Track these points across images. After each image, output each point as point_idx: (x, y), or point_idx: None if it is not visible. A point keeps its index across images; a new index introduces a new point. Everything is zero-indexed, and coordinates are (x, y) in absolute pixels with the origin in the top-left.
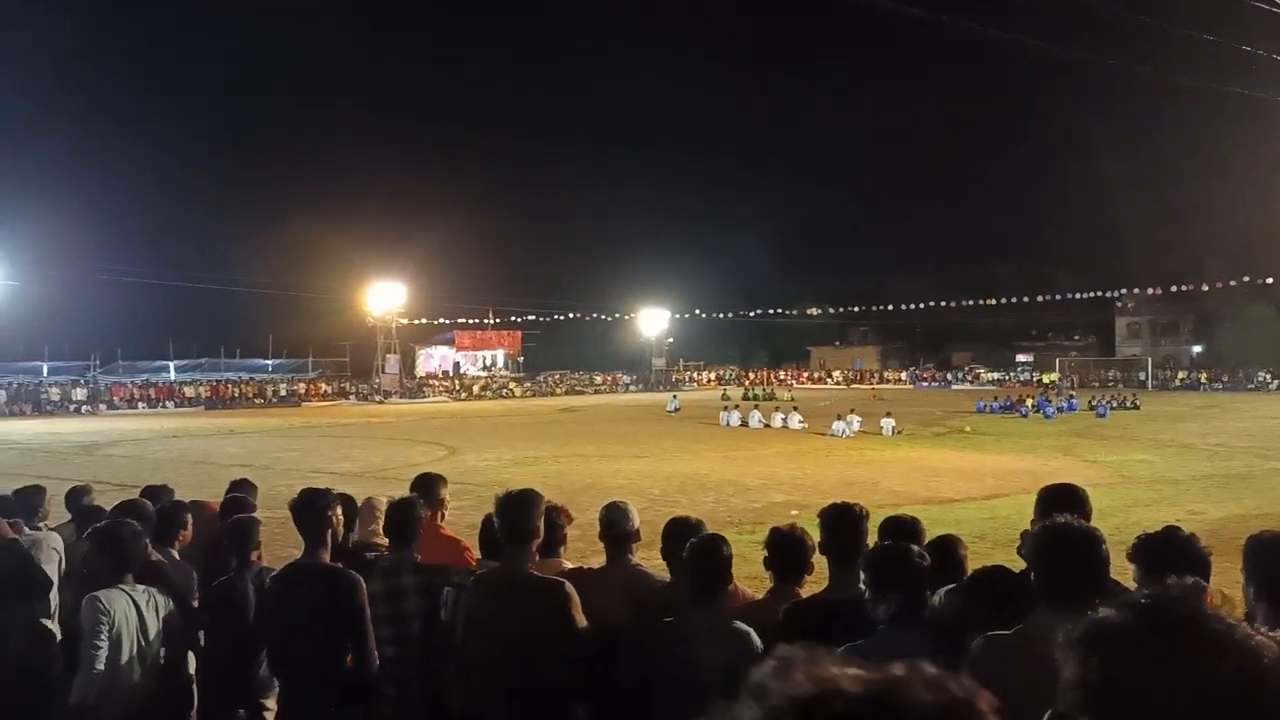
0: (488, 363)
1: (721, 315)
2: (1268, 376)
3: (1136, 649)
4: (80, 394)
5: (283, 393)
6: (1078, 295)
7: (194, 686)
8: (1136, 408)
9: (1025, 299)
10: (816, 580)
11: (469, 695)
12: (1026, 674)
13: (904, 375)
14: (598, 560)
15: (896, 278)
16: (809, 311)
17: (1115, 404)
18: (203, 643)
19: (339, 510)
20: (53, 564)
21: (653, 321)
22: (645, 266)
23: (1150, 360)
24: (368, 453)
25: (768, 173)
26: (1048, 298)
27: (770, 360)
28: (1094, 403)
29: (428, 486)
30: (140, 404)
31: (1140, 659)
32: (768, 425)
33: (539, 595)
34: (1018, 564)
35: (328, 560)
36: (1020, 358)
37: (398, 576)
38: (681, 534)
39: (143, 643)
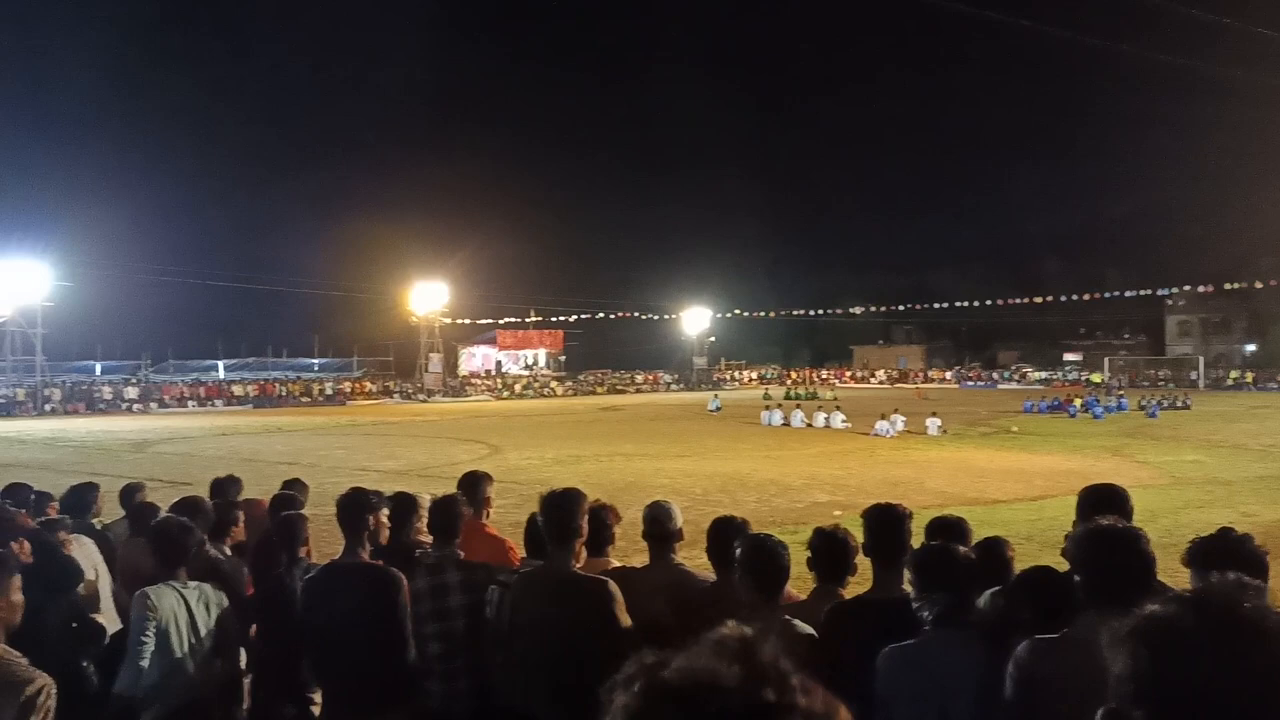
0: (530, 362)
1: (763, 314)
2: None
3: (1185, 641)
4: (132, 392)
5: (328, 391)
6: (1127, 293)
7: (245, 682)
8: (1187, 407)
9: (1074, 297)
10: (860, 581)
11: (514, 692)
12: (1073, 676)
13: (949, 374)
14: (638, 559)
15: (941, 275)
16: (852, 310)
17: (1166, 404)
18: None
19: (385, 510)
20: (88, 560)
21: (694, 320)
22: (687, 266)
23: (1202, 360)
24: (412, 451)
25: (810, 171)
26: (1097, 295)
27: (812, 359)
28: (1144, 403)
29: (473, 485)
30: (190, 402)
31: (1189, 651)
32: (810, 425)
33: (584, 594)
34: (1065, 566)
35: (367, 558)
36: (1068, 357)
37: (442, 573)
38: (727, 534)
39: (193, 639)
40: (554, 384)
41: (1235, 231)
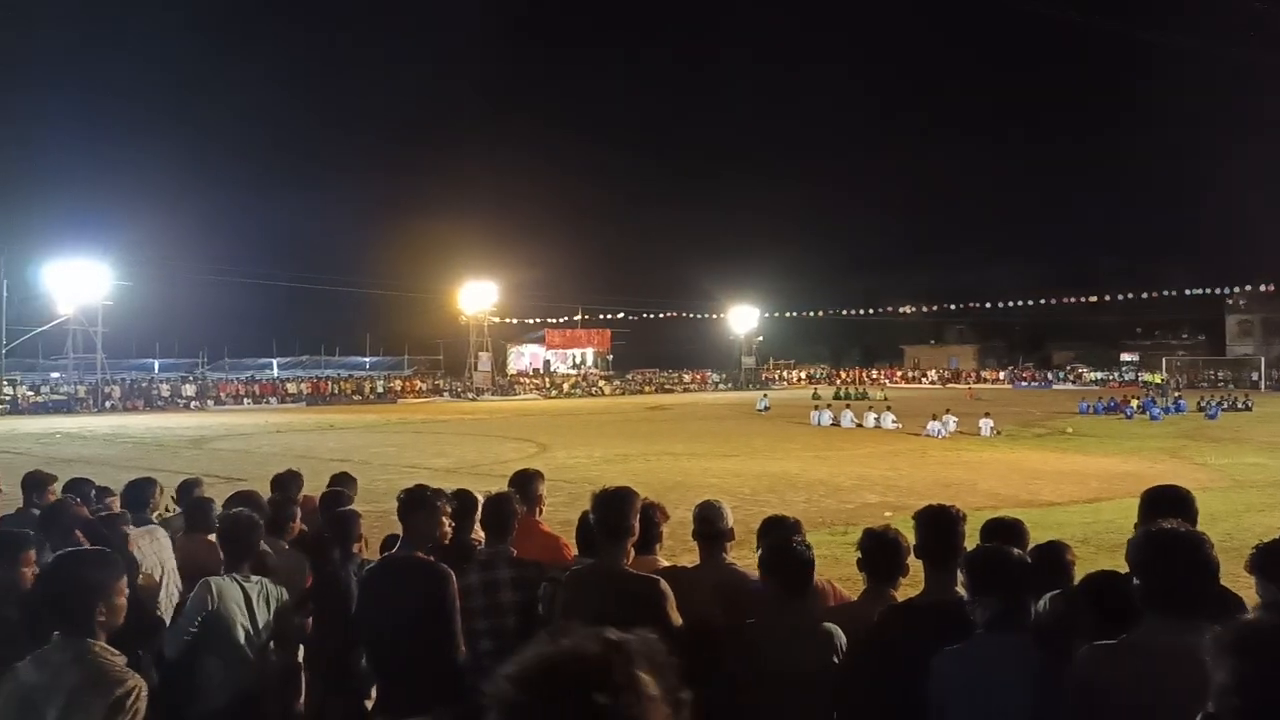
0: (577, 361)
1: (812, 313)
2: None
3: None
4: (189, 390)
5: (380, 389)
6: (1186, 292)
7: (301, 674)
8: (1248, 409)
9: (1130, 296)
10: (912, 583)
11: None
12: (1132, 683)
13: (1002, 375)
14: (686, 558)
15: (994, 273)
16: (902, 309)
17: (1226, 405)
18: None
19: (445, 507)
20: (156, 553)
21: (742, 319)
22: (735, 264)
23: (1263, 360)
24: (461, 449)
25: (860, 168)
26: (1154, 294)
27: (862, 359)
28: (1203, 404)
29: (526, 483)
30: (245, 400)
31: None
32: (860, 425)
33: (635, 592)
34: (1123, 569)
35: (423, 554)
36: (1125, 357)
37: (494, 569)
38: (778, 533)
39: (251, 631)
40: (602, 383)
41: None
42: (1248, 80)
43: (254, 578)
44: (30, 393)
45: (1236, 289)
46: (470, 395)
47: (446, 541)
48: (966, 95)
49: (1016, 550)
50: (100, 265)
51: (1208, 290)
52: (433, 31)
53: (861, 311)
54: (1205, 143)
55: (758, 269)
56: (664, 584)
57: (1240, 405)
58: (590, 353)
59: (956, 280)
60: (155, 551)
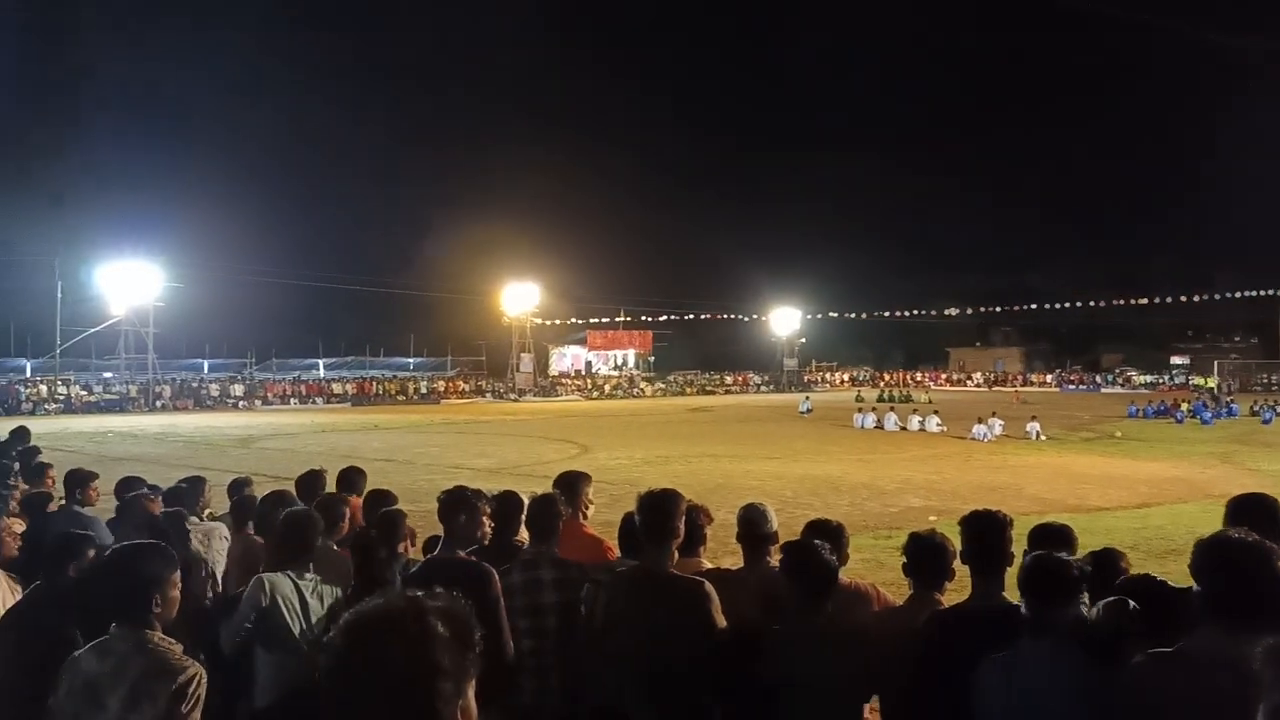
0: (619, 362)
1: (855, 315)
2: None
3: None
4: (237, 390)
5: (423, 390)
6: (1238, 294)
7: None
8: None
9: (1181, 297)
10: (957, 588)
11: (606, 690)
12: (1188, 694)
13: (1049, 378)
14: (728, 561)
15: (1041, 274)
16: (947, 311)
17: None
18: None
19: (484, 507)
20: (215, 550)
21: (785, 321)
22: (778, 266)
23: None
24: (503, 449)
25: (904, 166)
26: (1205, 296)
27: (906, 361)
28: (1256, 408)
29: (571, 484)
30: (292, 400)
31: None
32: (904, 428)
33: (679, 594)
34: (1173, 576)
35: (465, 554)
36: (1175, 360)
37: (536, 570)
38: (823, 537)
39: (305, 627)
40: (643, 384)
41: None
42: None
43: (308, 574)
44: (83, 392)
45: None
46: (512, 396)
47: (486, 542)
48: (1015, 95)
49: (1076, 559)
50: (152, 267)
51: (1260, 292)
52: (477, 33)
53: (906, 313)
54: (1258, 143)
55: (800, 270)
56: (709, 586)
57: None
58: (632, 354)
59: (1003, 281)
60: (217, 549)
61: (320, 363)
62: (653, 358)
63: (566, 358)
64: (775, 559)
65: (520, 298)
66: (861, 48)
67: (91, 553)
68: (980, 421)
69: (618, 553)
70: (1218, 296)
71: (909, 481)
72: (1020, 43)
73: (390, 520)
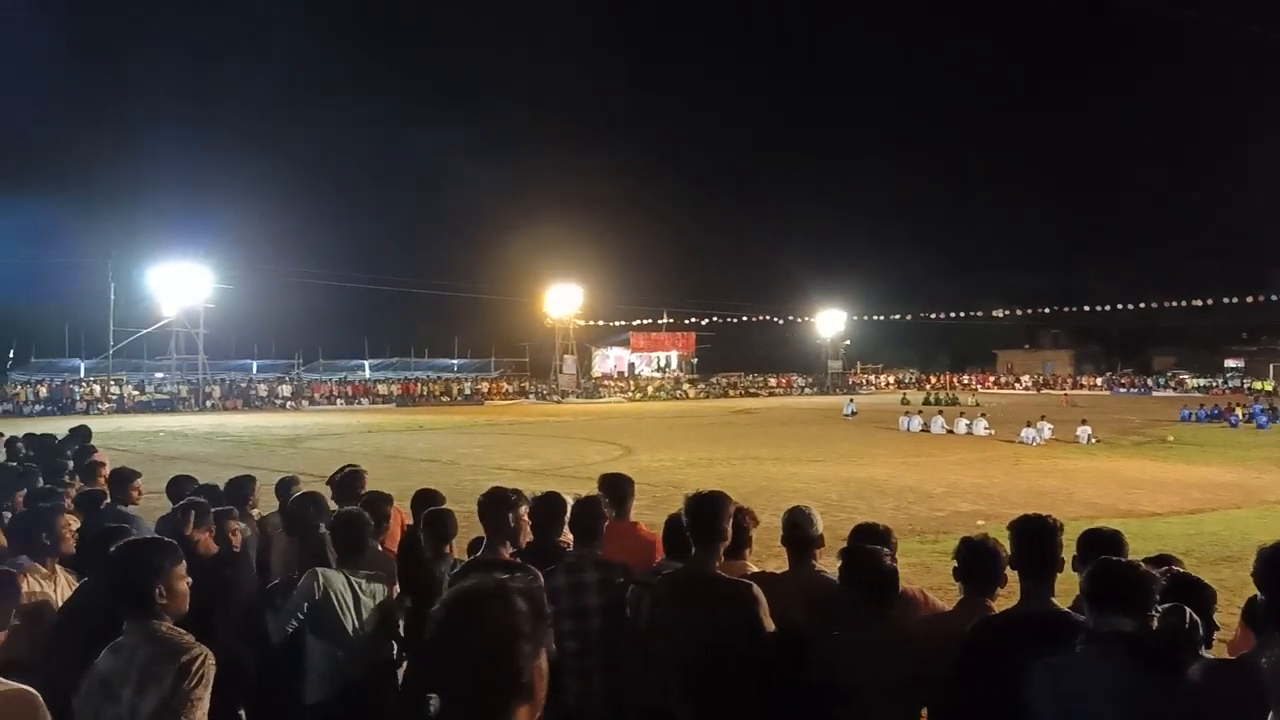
0: (662, 364)
1: (901, 317)
2: None
3: None
4: (285, 390)
5: (467, 391)
6: None
7: (397, 670)
8: None
9: (1235, 298)
10: (1008, 594)
11: (651, 692)
12: (1252, 704)
13: (1099, 380)
14: (771, 564)
15: (1091, 275)
16: (995, 313)
17: None
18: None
19: (525, 509)
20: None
21: (829, 323)
22: (822, 267)
23: None
24: (547, 450)
25: (952, 165)
26: (1261, 297)
27: (953, 364)
28: None
29: (615, 486)
30: (338, 400)
31: None
32: (951, 431)
33: (727, 597)
34: (1227, 583)
35: (508, 555)
36: (1229, 363)
37: (580, 572)
38: (869, 540)
39: (357, 625)
40: (686, 386)
41: None
42: None
43: (362, 572)
44: (136, 392)
45: None
46: (555, 398)
47: (524, 543)
48: (1066, 93)
49: (1144, 564)
50: (202, 269)
51: None
52: (520, 37)
53: (952, 315)
54: None
55: (845, 272)
56: (756, 589)
57: None
58: (675, 356)
59: (1052, 282)
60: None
61: (366, 364)
62: (696, 359)
63: (609, 359)
64: (820, 562)
65: (564, 299)
66: (909, 44)
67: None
68: (1029, 425)
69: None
70: (1274, 297)
71: (956, 485)
72: (1071, 38)
73: (437, 520)
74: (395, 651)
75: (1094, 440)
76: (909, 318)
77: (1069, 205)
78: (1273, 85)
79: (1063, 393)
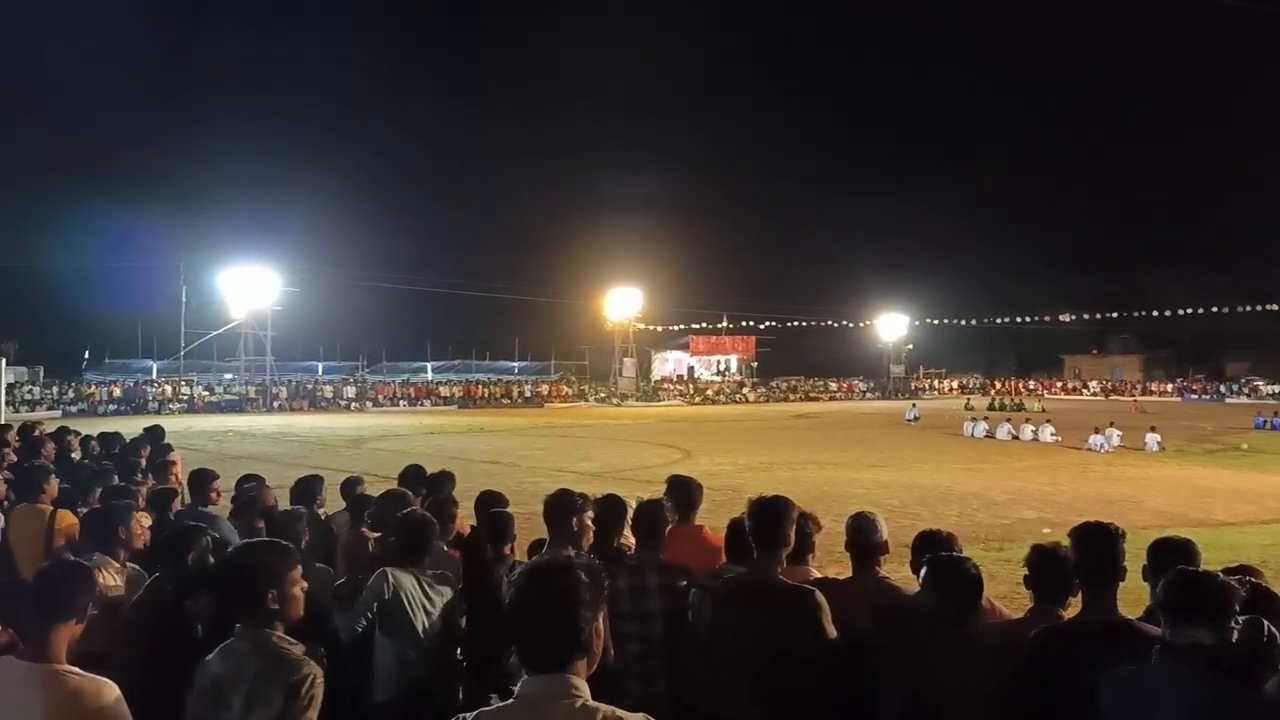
0: (721, 367)
1: (965, 321)
2: None
3: None
4: (350, 391)
5: (527, 393)
6: None
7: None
8: None
9: None
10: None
11: (714, 697)
12: None
13: (1170, 387)
14: (833, 570)
15: (1162, 279)
16: (1062, 317)
17: None
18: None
19: (589, 512)
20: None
21: (891, 327)
22: (885, 270)
23: None
24: (606, 453)
25: (1017, 166)
26: None
27: (1018, 369)
28: None
29: (683, 489)
30: (401, 401)
31: None
32: (1016, 437)
33: (789, 602)
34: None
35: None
36: None
37: (642, 576)
38: (933, 548)
39: (425, 624)
40: (746, 390)
41: None
42: None
43: (429, 572)
44: (205, 392)
45: None
46: (615, 400)
47: (588, 546)
48: (1136, 93)
49: (1222, 575)
50: (270, 272)
51: None
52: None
53: (1018, 319)
54: None
55: (908, 275)
56: (819, 595)
57: None
58: (734, 359)
59: (1121, 286)
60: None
61: (428, 366)
62: (756, 363)
63: (669, 363)
64: (884, 568)
65: (623, 302)
66: (977, 43)
67: (207, 543)
68: (1097, 431)
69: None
70: None
71: (1021, 492)
72: (1138, 38)
73: (498, 522)
74: (458, 651)
75: (1163, 447)
76: (973, 322)
77: (1140, 207)
78: None
79: (1132, 399)
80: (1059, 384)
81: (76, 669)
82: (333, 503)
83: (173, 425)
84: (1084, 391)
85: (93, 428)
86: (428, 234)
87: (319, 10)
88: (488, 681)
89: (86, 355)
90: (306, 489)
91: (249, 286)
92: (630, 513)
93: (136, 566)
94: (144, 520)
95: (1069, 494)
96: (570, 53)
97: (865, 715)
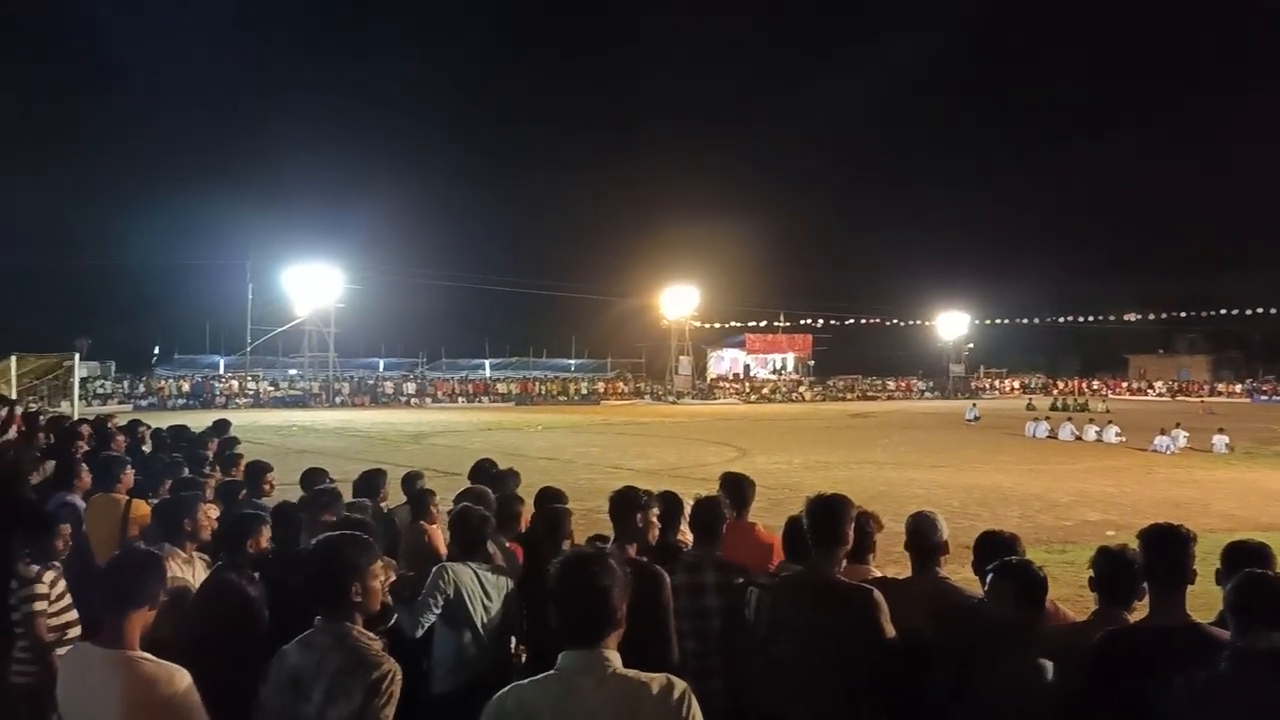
0: (778, 366)
1: (1027, 320)
2: None
3: None
4: (410, 388)
5: (584, 391)
6: None
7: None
8: None
9: None
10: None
11: (769, 695)
12: None
13: (1239, 387)
14: (891, 570)
15: (1231, 277)
16: (1127, 316)
17: None
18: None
19: (655, 508)
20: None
21: (951, 326)
22: (944, 268)
23: None
24: (662, 451)
25: (1081, 162)
26: None
27: (1081, 369)
28: None
29: (737, 486)
30: (460, 398)
31: None
32: (1080, 438)
33: (849, 601)
34: None
35: (634, 554)
36: None
37: (700, 572)
38: (996, 550)
39: (484, 618)
40: (802, 388)
41: None
42: None
43: (486, 565)
44: (270, 388)
45: None
46: (670, 398)
47: (653, 543)
48: (1205, 88)
49: None
50: (333, 270)
51: None
52: (638, 36)
53: (1082, 318)
54: None
55: (968, 273)
56: (878, 594)
57: None
58: (791, 358)
59: (1189, 285)
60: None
61: (486, 363)
62: (812, 361)
63: (725, 361)
64: (944, 569)
65: (679, 301)
66: (1044, 45)
67: (265, 529)
68: (1163, 433)
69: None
70: None
71: (1085, 494)
72: (1209, 31)
73: (554, 517)
74: (514, 645)
75: (1232, 449)
76: (1036, 321)
77: (1207, 204)
78: None
79: (1199, 400)
80: (1124, 384)
81: (150, 655)
82: (395, 497)
83: (238, 419)
84: (1149, 392)
85: (162, 421)
86: (487, 233)
87: (386, 16)
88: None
89: (156, 351)
90: (370, 483)
91: (313, 284)
92: (687, 509)
93: (205, 556)
94: (211, 512)
95: (1134, 496)
96: (631, 54)
97: (922, 717)
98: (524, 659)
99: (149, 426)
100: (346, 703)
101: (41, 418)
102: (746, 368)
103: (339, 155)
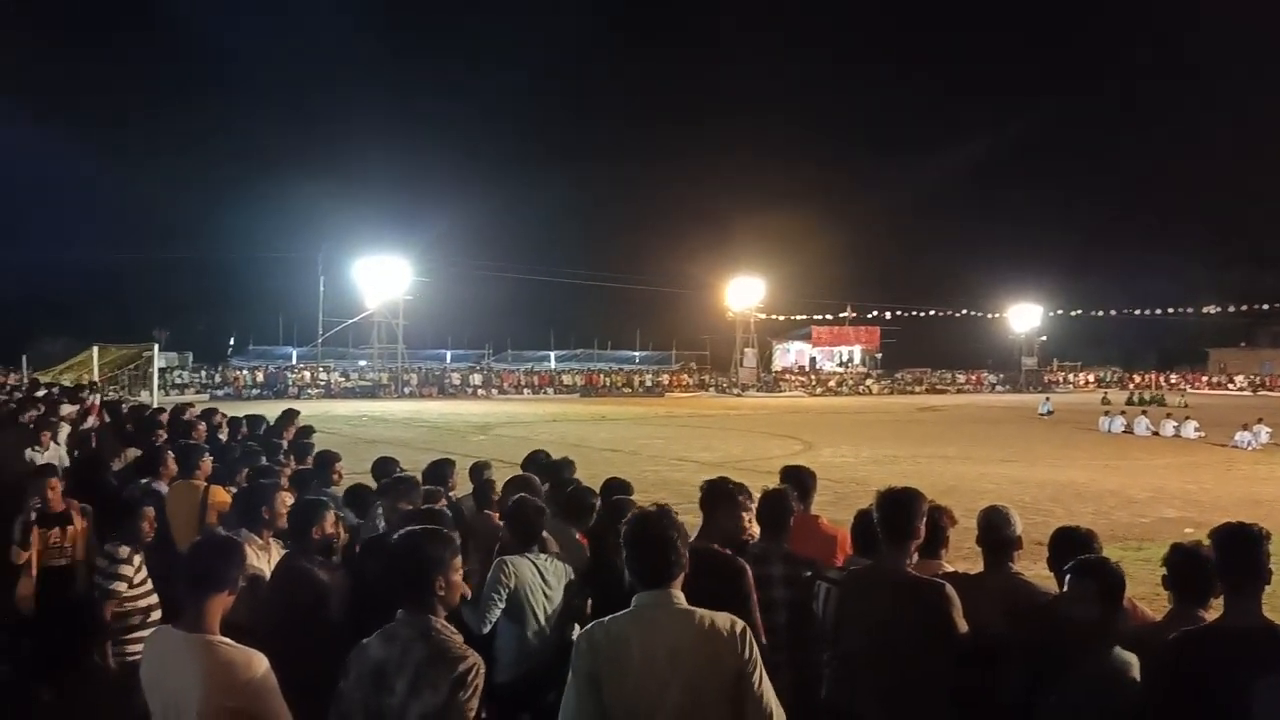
0: (844, 359)
1: (1102, 312)
2: None
3: None
4: (476, 379)
5: (648, 383)
6: None
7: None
8: None
9: None
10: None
11: (839, 690)
12: None
13: None
14: (962, 565)
15: None
16: (1207, 309)
17: None
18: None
19: (746, 503)
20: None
21: (1023, 318)
22: (1016, 259)
23: None
24: (727, 443)
25: (1156, 148)
26: None
27: (1159, 362)
28: None
29: (798, 478)
30: (525, 389)
31: None
32: (1157, 433)
33: (920, 596)
34: None
35: (716, 546)
36: None
37: (767, 564)
38: (1072, 546)
39: (546, 608)
40: (869, 382)
41: None
42: None
43: (544, 555)
44: (341, 379)
45: None
46: (735, 391)
47: (748, 540)
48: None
49: None
50: (402, 263)
51: None
52: (702, 29)
53: (1160, 311)
54: None
55: (1041, 264)
56: (950, 589)
57: None
58: (858, 350)
59: (1271, 276)
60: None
61: (551, 355)
62: (880, 354)
63: (790, 353)
64: (1017, 564)
65: (745, 293)
66: (1122, 35)
67: (329, 515)
68: (1245, 428)
69: (849, 552)
70: None
71: (1162, 490)
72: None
73: (619, 509)
74: (576, 634)
75: None
76: (1111, 313)
77: None
78: None
79: None
80: (1204, 379)
81: (229, 640)
82: (463, 486)
83: (311, 409)
84: (1230, 386)
85: (238, 410)
86: (553, 225)
87: (460, 15)
88: None
89: (232, 342)
90: (438, 472)
91: (382, 277)
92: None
93: (282, 542)
94: (287, 499)
95: (1213, 493)
96: (701, 46)
97: (993, 715)
98: None
99: (225, 415)
100: (432, 695)
101: (123, 406)
102: (812, 360)
103: (410, 149)
